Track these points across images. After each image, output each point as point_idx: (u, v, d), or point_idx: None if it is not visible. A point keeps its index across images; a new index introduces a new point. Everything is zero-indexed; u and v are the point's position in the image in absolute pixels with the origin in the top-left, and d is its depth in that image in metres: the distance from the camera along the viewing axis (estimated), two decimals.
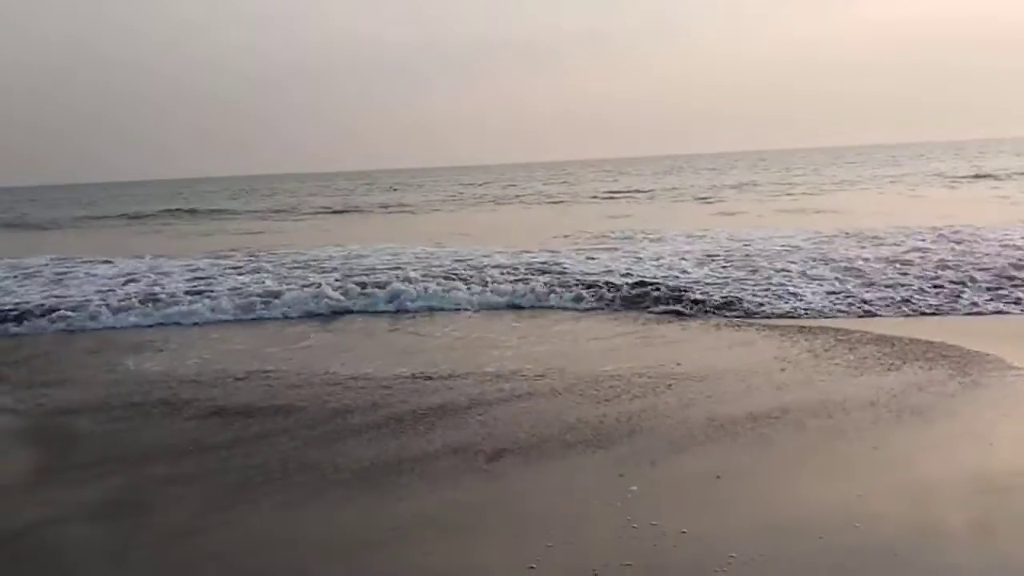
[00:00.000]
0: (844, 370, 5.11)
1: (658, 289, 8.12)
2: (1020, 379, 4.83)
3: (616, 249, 11.93)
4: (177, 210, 31.22)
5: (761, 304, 7.44)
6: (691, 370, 5.22)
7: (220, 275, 10.66)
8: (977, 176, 28.38)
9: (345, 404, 4.78)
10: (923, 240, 10.95)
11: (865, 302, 7.36)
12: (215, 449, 4.11)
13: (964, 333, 5.96)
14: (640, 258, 10.69)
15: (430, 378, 5.31)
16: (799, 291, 7.95)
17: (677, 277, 8.90)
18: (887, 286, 7.98)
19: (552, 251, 11.79)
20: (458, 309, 8.13)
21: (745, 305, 7.40)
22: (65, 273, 11.47)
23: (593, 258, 10.87)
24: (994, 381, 4.77)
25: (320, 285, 9.10)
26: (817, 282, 8.36)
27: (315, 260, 11.92)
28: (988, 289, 7.63)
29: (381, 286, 8.87)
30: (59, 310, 8.38)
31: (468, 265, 10.39)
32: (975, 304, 7.13)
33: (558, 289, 8.40)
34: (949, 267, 8.69)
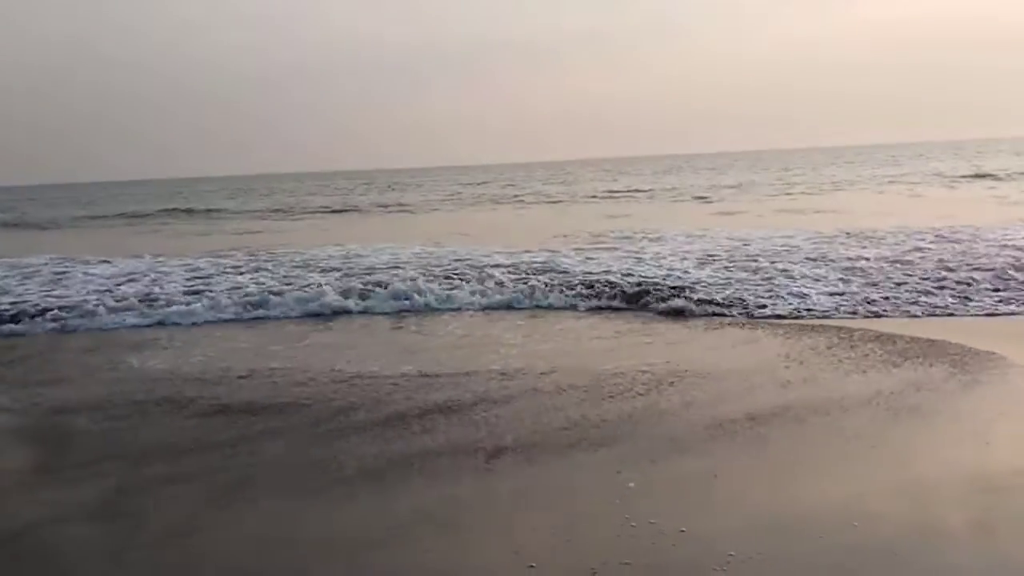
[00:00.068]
0: (845, 369, 5.11)
1: (659, 289, 8.12)
2: (1021, 377, 4.83)
3: (616, 249, 11.93)
4: (176, 210, 31.21)
5: (762, 304, 7.44)
6: (691, 369, 5.22)
7: (220, 275, 10.65)
8: (976, 176, 28.39)
9: (347, 402, 4.78)
10: (923, 240, 10.95)
11: (867, 302, 7.36)
12: (216, 447, 4.11)
13: (965, 332, 5.96)
14: (640, 258, 10.69)
15: (430, 376, 5.30)
16: (800, 291, 7.95)
17: (678, 277, 8.90)
18: (888, 286, 7.98)
19: (552, 251, 11.79)
20: (458, 309, 8.13)
21: (746, 305, 7.40)
22: (64, 273, 11.46)
23: (593, 258, 10.87)
24: (995, 380, 4.78)
25: (320, 285, 9.10)
26: (818, 281, 8.36)
27: (314, 260, 11.92)
28: (989, 289, 7.63)
29: (381, 286, 8.87)
30: (58, 309, 8.37)
31: (468, 265, 10.39)
32: (976, 304, 7.13)
33: (559, 289, 8.40)
34: (950, 267, 8.69)
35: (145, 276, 10.76)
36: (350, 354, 6.25)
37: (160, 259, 12.69)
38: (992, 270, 8.38)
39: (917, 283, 8.01)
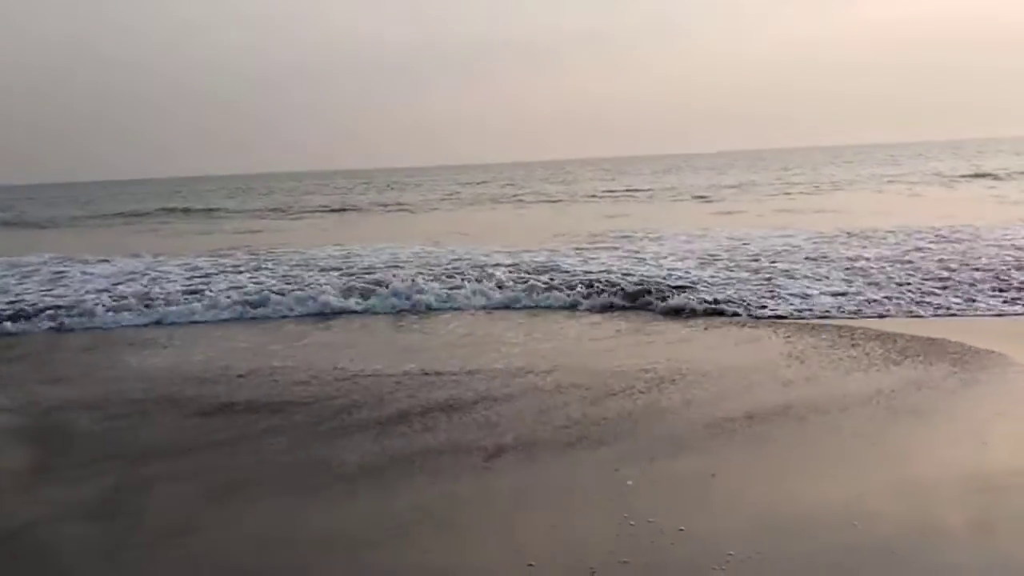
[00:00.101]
0: (845, 368, 5.11)
1: (660, 288, 8.11)
2: (1021, 377, 4.83)
3: (616, 248, 11.93)
4: (175, 209, 31.19)
5: (762, 303, 7.44)
6: (692, 368, 5.22)
7: (219, 274, 10.65)
8: (976, 175, 28.39)
9: (347, 401, 4.78)
10: (923, 240, 10.95)
11: (867, 301, 7.36)
12: (216, 446, 4.10)
13: (966, 332, 5.96)
14: (641, 257, 10.68)
15: (430, 375, 5.30)
16: (800, 291, 7.95)
17: (679, 276, 8.89)
18: (889, 285, 7.98)
19: (552, 250, 11.79)
20: (459, 308, 8.12)
21: (746, 304, 7.39)
22: (63, 272, 11.45)
23: (593, 257, 10.86)
24: (996, 379, 4.78)
25: (321, 284, 9.09)
26: (819, 281, 8.36)
27: (314, 259, 11.91)
28: (989, 288, 7.63)
29: (381, 285, 8.86)
30: (56, 309, 8.37)
31: (469, 264, 10.38)
32: (977, 303, 7.12)
33: (559, 288, 8.39)
34: (950, 267, 8.69)
35: (144, 275, 10.75)
36: (350, 353, 6.24)
37: (159, 258, 12.69)
38: (993, 270, 8.38)
39: (918, 283, 8.01)
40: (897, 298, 7.43)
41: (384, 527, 3.12)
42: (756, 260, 9.97)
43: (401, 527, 3.10)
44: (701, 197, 25.84)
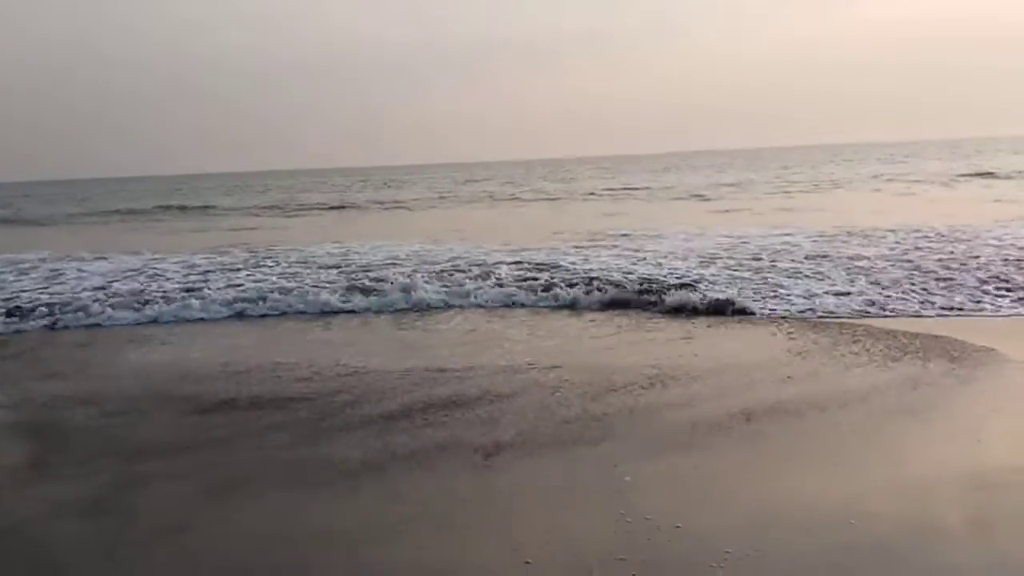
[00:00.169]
0: (844, 366, 5.10)
1: (660, 286, 8.10)
2: (1020, 375, 4.83)
3: (616, 246, 11.92)
4: (173, 206, 31.14)
5: (762, 301, 7.43)
6: (691, 366, 5.21)
7: (217, 271, 10.63)
8: (975, 174, 28.40)
9: (346, 398, 4.77)
10: (923, 238, 10.95)
11: (867, 300, 7.36)
12: (215, 443, 4.09)
13: (967, 330, 5.96)
14: (641, 256, 10.67)
15: (429, 372, 5.28)
16: (800, 289, 7.95)
17: (679, 275, 8.88)
18: (889, 284, 7.97)
19: (552, 248, 11.78)
20: (459, 306, 8.10)
21: (746, 302, 7.38)
22: (60, 269, 11.42)
23: (594, 255, 10.85)
24: (995, 377, 4.78)
25: (320, 282, 9.08)
26: (819, 280, 8.35)
27: (313, 257, 11.90)
28: (987, 287, 7.63)
29: (381, 283, 8.84)
30: (49, 306, 8.34)
31: (469, 262, 10.37)
32: (977, 302, 7.12)
33: (560, 286, 8.37)
34: (950, 265, 8.69)
35: (142, 273, 10.74)
36: (350, 350, 6.23)
37: (157, 256, 12.66)
38: (992, 269, 8.38)
39: (917, 282, 8.01)
40: (897, 297, 7.42)
41: (383, 524, 3.11)
42: (756, 259, 9.97)
43: (400, 524, 3.10)
44: (701, 196, 25.83)
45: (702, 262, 9.90)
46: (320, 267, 10.64)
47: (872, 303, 7.23)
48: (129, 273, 10.72)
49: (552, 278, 8.77)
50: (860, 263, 9.21)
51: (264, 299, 8.37)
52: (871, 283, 8.06)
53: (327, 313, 8.07)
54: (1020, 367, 5.00)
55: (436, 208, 26.54)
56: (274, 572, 2.81)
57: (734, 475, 3.46)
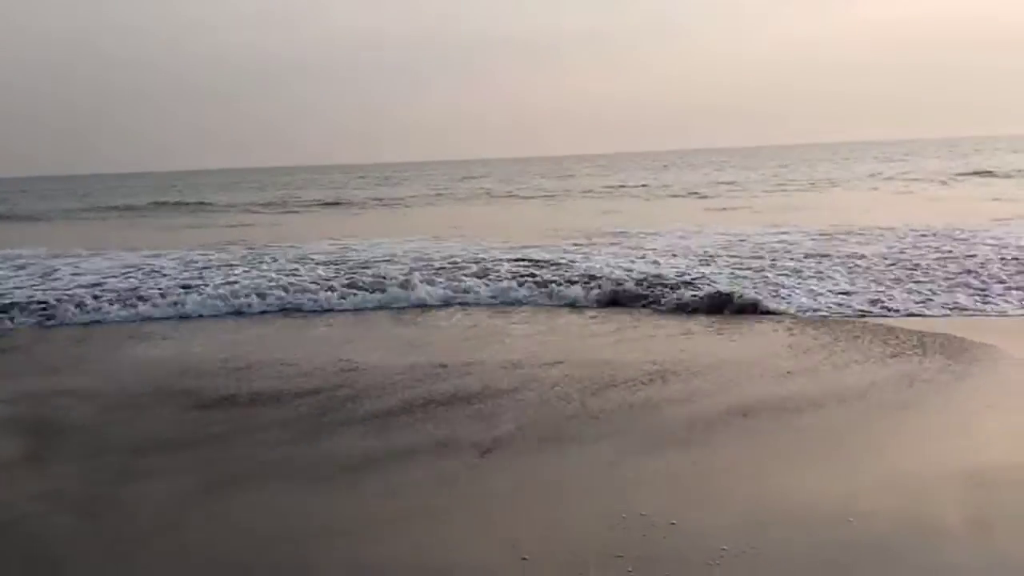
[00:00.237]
0: (843, 364, 5.11)
1: (660, 284, 8.10)
2: (1020, 372, 4.83)
3: (616, 244, 11.91)
4: (173, 203, 31.07)
5: (762, 300, 7.41)
6: (690, 364, 5.21)
7: (215, 268, 10.60)
8: (974, 173, 28.43)
9: (342, 395, 4.76)
10: (923, 237, 10.96)
11: (867, 298, 7.36)
12: (213, 439, 4.09)
13: (968, 328, 5.97)
14: (641, 254, 10.66)
15: (428, 369, 5.28)
16: (800, 287, 7.96)
17: (679, 273, 8.88)
18: (888, 282, 7.99)
19: (552, 246, 11.77)
20: (459, 304, 8.08)
21: (746, 300, 7.37)
22: (56, 265, 11.39)
23: (593, 253, 10.85)
24: (995, 374, 4.79)
25: (319, 279, 9.06)
26: (819, 279, 8.36)
27: (312, 254, 11.87)
28: (989, 285, 7.63)
29: (380, 280, 8.83)
30: (49, 302, 8.31)
31: (468, 259, 10.35)
32: (977, 300, 7.13)
33: (559, 283, 8.36)
34: (950, 264, 8.71)
35: (139, 269, 10.70)
36: (349, 347, 6.22)
37: (156, 252, 12.63)
38: (992, 267, 8.39)
39: (917, 280, 8.02)
40: (896, 295, 7.42)
41: (381, 519, 3.11)
42: (756, 257, 9.97)
43: (398, 519, 3.09)
44: (700, 195, 25.83)
45: (701, 260, 9.90)
46: (318, 264, 10.62)
47: (871, 301, 7.23)
48: (126, 269, 10.69)
49: (552, 275, 8.77)
50: (859, 261, 9.22)
51: (263, 296, 8.35)
52: (871, 281, 8.07)
53: (326, 310, 8.05)
54: (1019, 364, 5.00)
55: (434, 205, 26.51)
56: (273, 567, 2.80)
57: (731, 472, 3.46)
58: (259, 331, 7.19)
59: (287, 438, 4.08)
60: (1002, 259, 8.84)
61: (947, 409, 4.27)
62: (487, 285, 8.49)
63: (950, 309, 6.90)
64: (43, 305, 8.23)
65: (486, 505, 3.25)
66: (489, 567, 2.74)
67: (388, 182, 46.52)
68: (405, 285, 8.52)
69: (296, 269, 10.14)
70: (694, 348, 5.82)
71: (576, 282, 8.38)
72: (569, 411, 4.30)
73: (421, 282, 8.60)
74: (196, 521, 3.15)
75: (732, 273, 8.80)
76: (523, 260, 10.10)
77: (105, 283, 9.49)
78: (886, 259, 9.28)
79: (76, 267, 11.06)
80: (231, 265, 10.80)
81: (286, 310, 8.08)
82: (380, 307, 8.11)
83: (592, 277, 8.55)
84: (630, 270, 9.07)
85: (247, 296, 8.36)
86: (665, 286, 8.02)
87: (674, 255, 10.41)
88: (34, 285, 9.59)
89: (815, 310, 7.03)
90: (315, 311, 8.03)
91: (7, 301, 8.44)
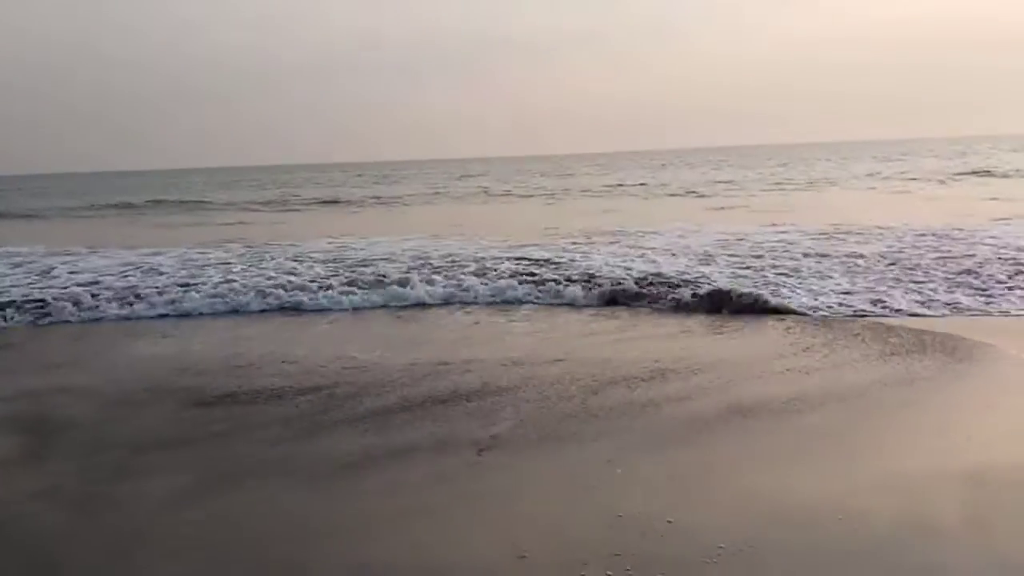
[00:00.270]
0: (842, 362, 5.11)
1: (659, 283, 8.09)
2: (1019, 371, 4.83)
3: (615, 243, 11.89)
4: (171, 201, 31.02)
5: (762, 299, 7.39)
6: (689, 362, 5.21)
7: (213, 266, 10.58)
8: (973, 172, 28.45)
9: (342, 392, 4.75)
10: (922, 236, 10.95)
11: (867, 297, 7.36)
12: (214, 436, 4.08)
13: (968, 327, 5.98)
14: (640, 253, 10.64)
15: (428, 367, 5.27)
16: (800, 286, 7.96)
17: (678, 271, 8.87)
18: (888, 281, 7.99)
19: (552, 244, 11.76)
20: (458, 302, 8.07)
21: (745, 299, 7.37)
22: (54, 263, 11.36)
23: (593, 252, 10.83)
24: (994, 372, 4.79)
25: (318, 277, 9.04)
26: (818, 277, 8.36)
27: (311, 252, 11.85)
28: (989, 285, 7.64)
29: (380, 278, 8.82)
30: (46, 300, 8.29)
31: (468, 258, 10.34)
32: (977, 299, 7.13)
33: (559, 282, 8.35)
34: (950, 263, 8.70)
35: (137, 267, 10.68)
36: (348, 345, 6.21)
37: (154, 250, 12.60)
38: (991, 266, 8.39)
39: (917, 279, 8.02)
40: (896, 295, 7.42)
41: (380, 517, 3.10)
42: (755, 256, 9.96)
43: (396, 517, 3.09)
44: (697, 193, 25.84)
45: (701, 259, 9.89)
46: (317, 262, 10.61)
47: (871, 301, 7.23)
48: (124, 267, 10.67)
49: (551, 274, 8.76)
50: (858, 261, 9.22)
51: (261, 294, 8.34)
52: (870, 281, 8.07)
53: (325, 308, 8.04)
54: (1019, 363, 5.00)
55: (432, 204, 26.49)
56: (271, 565, 2.79)
57: (729, 470, 3.45)
58: (257, 329, 7.18)
59: (286, 436, 4.07)
60: (1001, 259, 8.84)
61: (947, 408, 4.26)
62: (486, 284, 8.48)
63: (950, 309, 6.90)
64: (40, 303, 8.20)
65: (485, 503, 3.24)
66: (487, 565, 2.74)
67: (386, 180, 46.49)
68: (404, 283, 8.51)
69: (295, 267, 10.12)
70: (693, 347, 5.82)
71: (575, 281, 8.37)
72: (568, 409, 4.29)
73: (420, 281, 8.59)
74: (194, 518, 3.15)
75: (733, 273, 8.79)
76: (522, 259, 10.08)
77: (103, 281, 9.46)
78: (885, 258, 9.28)
79: (74, 265, 11.03)
80: (229, 263, 10.78)
81: (284, 308, 8.06)
82: (379, 305, 8.09)
83: (591, 276, 8.54)
84: (629, 269, 9.06)
85: (245, 294, 8.34)
86: (664, 285, 8.01)
87: (673, 254, 10.40)
88: (31, 283, 9.57)
89: (815, 309, 7.03)
90: (314, 309, 8.01)
91: (4, 299, 8.42)
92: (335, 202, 28.10)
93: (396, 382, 4.94)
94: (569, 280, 8.41)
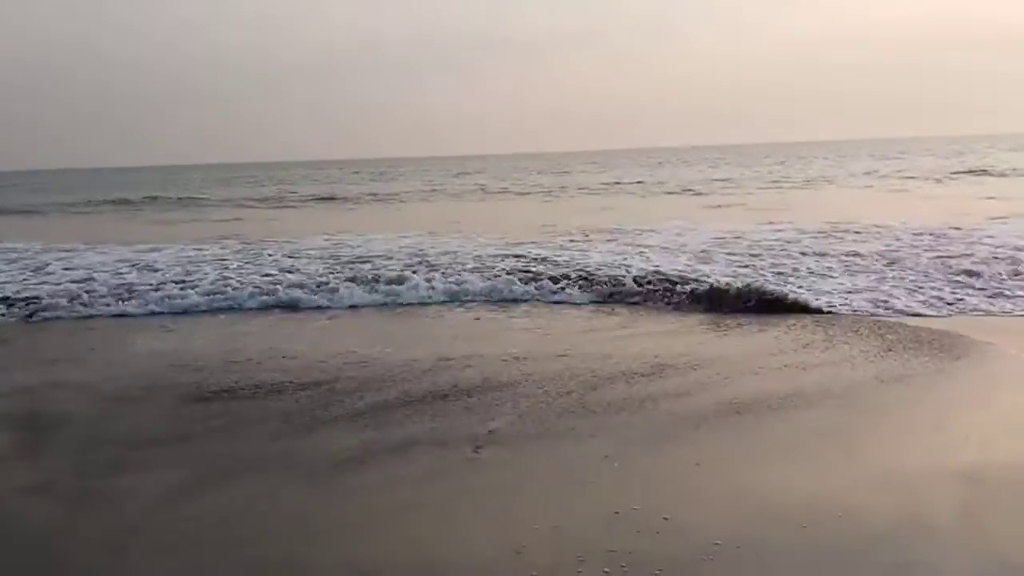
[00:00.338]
0: (840, 360, 5.11)
1: (659, 281, 8.08)
2: (1019, 370, 4.83)
3: (614, 241, 11.87)
4: (171, 197, 30.94)
5: (761, 296, 7.39)
6: (687, 360, 5.20)
7: (210, 263, 10.55)
8: (969, 171, 28.49)
9: (340, 388, 4.73)
10: (922, 235, 10.95)
11: (866, 296, 7.36)
12: (211, 432, 4.06)
13: (968, 326, 5.98)
14: (639, 251, 10.63)
15: (425, 364, 5.26)
16: (799, 284, 7.95)
17: (678, 270, 8.86)
18: (888, 280, 7.99)
19: (550, 243, 11.74)
20: (457, 300, 8.05)
21: (744, 297, 7.36)
22: (50, 259, 11.32)
23: (592, 250, 10.82)
24: (993, 371, 4.79)
25: (315, 274, 9.02)
26: (818, 276, 8.36)
27: (307, 248, 11.83)
28: (988, 284, 7.64)
29: (377, 275, 8.79)
30: (43, 296, 8.25)
31: (467, 256, 10.32)
32: (976, 298, 7.13)
33: (556, 280, 8.34)
34: (950, 262, 8.71)
35: (133, 264, 10.64)
36: (347, 341, 6.19)
37: (150, 246, 12.56)
38: (990, 265, 8.40)
39: (915, 278, 8.03)
40: (895, 293, 7.43)
41: (377, 512, 3.10)
42: (753, 255, 9.96)
43: (394, 512, 3.09)
44: (694, 191, 25.84)
45: (700, 257, 9.89)
46: (314, 259, 10.58)
47: (869, 299, 7.23)
48: (120, 263, 10.63)
49: (549, 271, 8.74)
50: (857, 259, 9.22)
51: (258, 290, 8.31)
52: (868, 279, 8.07)
53: (322, 305, 8.01)
54: (1019, 363, 5.00)
55: (428, 201, 26.46)
56: (269, 560, 2.78)
57: (726, 467, 3.45)
58: (255, 325, 7.16)
59: (285, 431, 4.06)
60: (999, 257, 8.85)
61: (945, 406, 4.26)
62: (484, 281, 8.46)
63: (949, 307, 6.90)
64: (35, 299, 8.17)
65: (483, 498, 3.24)
66: (484, 560, 2.73)
67: (383, 177, 46.43)
68: (403, 280, 8.49)
69: (292, 264, 10.09)
70: (692, 344, 5.81)
71: (573, 278, 8.36)
72: (567, 405, 4.29)
73: (418, 277, 8.57)
74: (191, 514, 3.14)
75: (732, 272, 8.79)
76: (520, 256, 10.07)
77: (98, 277, 9.43)
78: (883, 257, 9.28)
79: (69, 261, 10.99)
80: (226, 260, 10.75)
81: (281, 304, 8.04)
82: (378, 302, 8.07)
83: (590, 273, 8.53)
84: (628, 266, 9.05)
85: (242, 290, 8.32)
86: (662, 282, 8.01)
87: (671, 252, 10.40)
88: (26, 279, 9.53)
89: (814, 307, 7.02)
90: (311, 306, 7.99)
91: (0, 295, 8.38)
92: (332, 199, 28.06)
93: (395, 378, 4.93)
94: (567, 277, 8.40)
